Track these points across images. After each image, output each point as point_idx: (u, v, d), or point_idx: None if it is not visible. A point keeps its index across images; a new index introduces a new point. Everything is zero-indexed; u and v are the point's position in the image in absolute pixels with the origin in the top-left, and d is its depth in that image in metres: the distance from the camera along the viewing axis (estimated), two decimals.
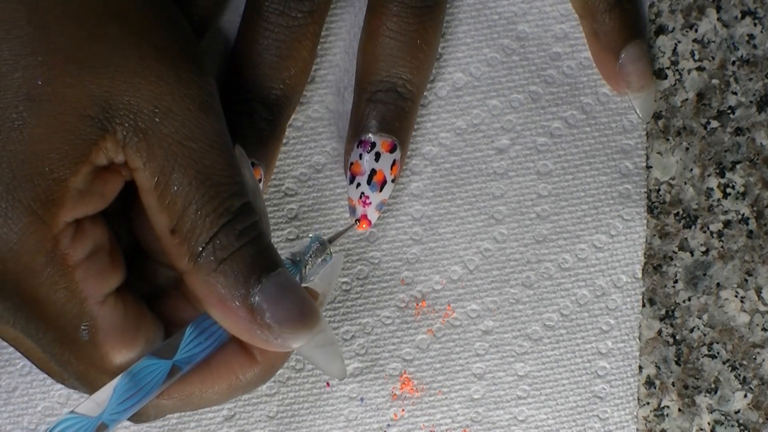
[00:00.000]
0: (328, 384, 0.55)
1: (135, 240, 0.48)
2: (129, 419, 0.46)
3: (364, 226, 0.53)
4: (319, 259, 0.48)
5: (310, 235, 0.49)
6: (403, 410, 0.55)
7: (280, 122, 0.53)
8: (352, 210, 0.53)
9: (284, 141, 0.55)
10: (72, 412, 0.44)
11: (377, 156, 0.53)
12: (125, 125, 0.44)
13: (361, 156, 0.53)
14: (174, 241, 0.44)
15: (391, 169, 0.53)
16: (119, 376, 0.45)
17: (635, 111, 0.55)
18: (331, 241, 0.49)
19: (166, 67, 0.44)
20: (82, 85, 0.43)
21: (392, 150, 0.53)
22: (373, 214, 0.53)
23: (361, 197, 0.53)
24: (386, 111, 0.53)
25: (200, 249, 0.44)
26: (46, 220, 0.43)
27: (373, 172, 0.53)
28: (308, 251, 0.48)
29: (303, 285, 0.48)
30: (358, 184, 0.53)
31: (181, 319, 0.47)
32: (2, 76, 0.43)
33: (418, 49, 0.53)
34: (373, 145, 0.53)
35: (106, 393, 0.44)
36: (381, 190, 0.53)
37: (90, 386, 0.46)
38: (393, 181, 0.53)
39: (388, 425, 0.55)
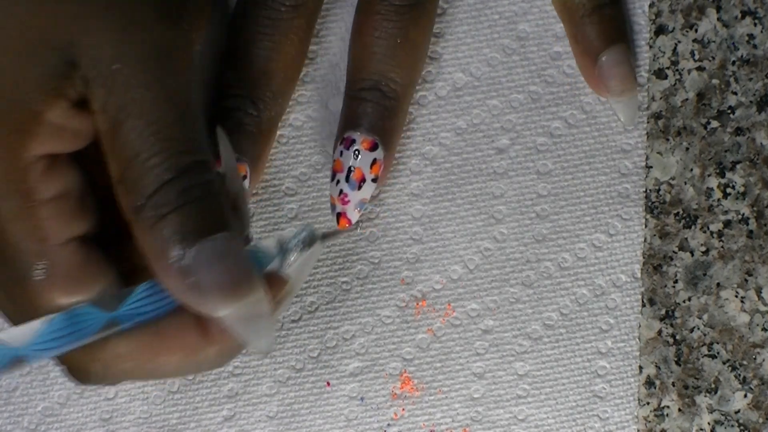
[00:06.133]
0: (328, 383, 0.55)
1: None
2: (73, 378, 0.45)
3: (346, 226, 0.53)
4: (306, 253, 0.46)
5: (306, 225, 0.47)
6: (403, 409, 0.55)
7: (268, 119, 0.53)
8: (332, 208, 0.53)
9: (284, 141, 0.55)
10: None
11: (357, 153, 0.53)
12: (88, 64, 0.43)
13: (342, 153, 0.53)
14: (121, 189, 0.43)
15: (372, 167, 0.53)
16: (57, 314, 0.44)
17: (617, 116, 0.55)
18: (325, 237, 0.47)
19: (134, 13, 0.43)
20: (44, 16, 0.42)
21: (373, 148, 0.53)
22: (352, 213, 0.53)
23: (340, 194, 0.53)
24: (369, 109, 0.53)
25: (142, 202, 0.43)
26: (17, 149, 0.42)
27: (351, 169, 0.53)
28: (296, 239, 0.46)
29: (278, 272, 0.46)
30: (338, 181, 0.53)
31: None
32: None
33: (399, 48, 0.53)
34: (353, 142, 0.53)
35: (33, 327, 0.43)
36: (359, 189, 0.53)
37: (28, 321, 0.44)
38: (374, 180, 0.53)
39: (389, 425, 0.55)
